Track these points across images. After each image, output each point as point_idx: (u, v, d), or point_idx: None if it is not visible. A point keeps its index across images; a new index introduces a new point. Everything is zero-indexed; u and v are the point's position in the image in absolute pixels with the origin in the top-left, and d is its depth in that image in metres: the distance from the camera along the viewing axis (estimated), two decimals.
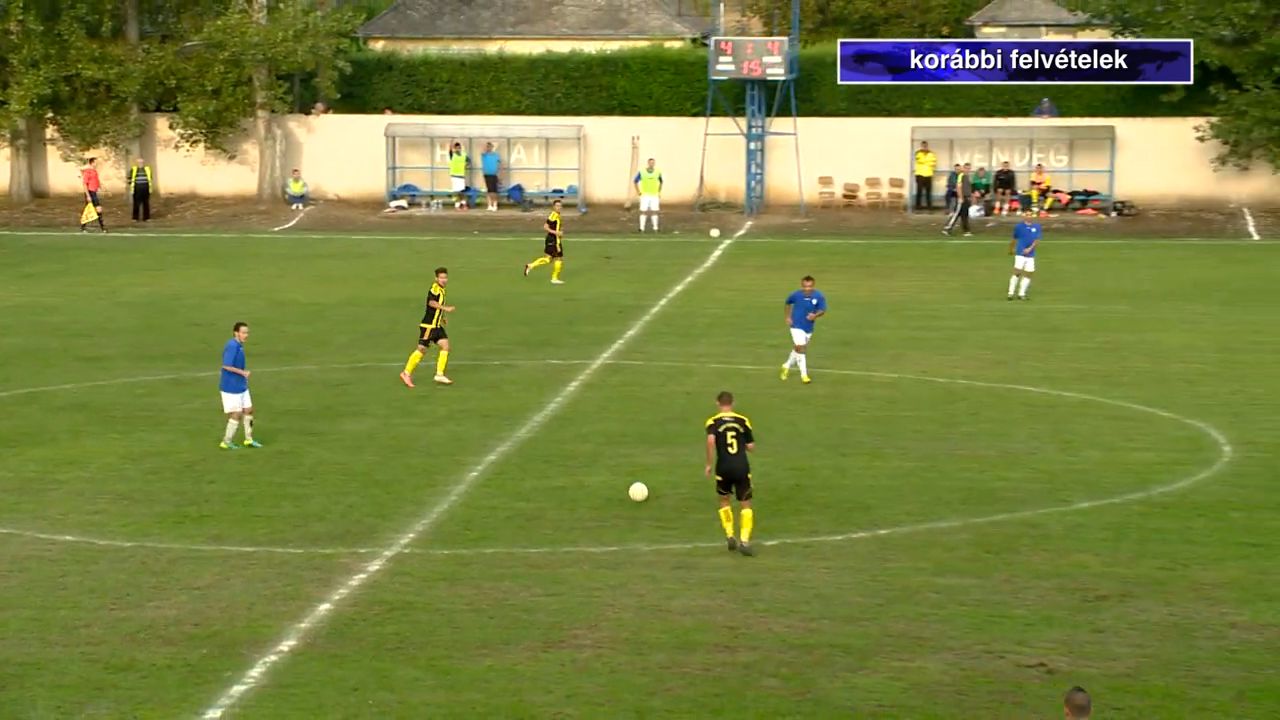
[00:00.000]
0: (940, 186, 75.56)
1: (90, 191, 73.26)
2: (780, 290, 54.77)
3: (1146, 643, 24.67)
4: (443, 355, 42.08)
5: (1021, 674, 23.61)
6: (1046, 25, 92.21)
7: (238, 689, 22.90)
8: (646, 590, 27.04)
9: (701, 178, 75.68)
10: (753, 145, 75.70)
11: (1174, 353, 45.67)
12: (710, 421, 28.44)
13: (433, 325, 41.91)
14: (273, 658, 24.11)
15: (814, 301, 41.35)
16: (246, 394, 35.56)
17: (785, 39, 76.41)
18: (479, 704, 22.42)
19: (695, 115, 76.94)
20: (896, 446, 35.98)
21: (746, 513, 28.34)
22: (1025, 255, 53.32)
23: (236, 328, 36.19)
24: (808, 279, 42.21)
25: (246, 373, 35.44)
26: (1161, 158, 74.50)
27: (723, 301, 55.00)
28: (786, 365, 41.85)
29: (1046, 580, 27.45)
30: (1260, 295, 55.15)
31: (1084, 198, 74.75)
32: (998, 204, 74.21)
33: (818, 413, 39.34)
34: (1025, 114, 77.17)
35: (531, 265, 58.59)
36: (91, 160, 75.65)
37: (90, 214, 72.65)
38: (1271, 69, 69.57)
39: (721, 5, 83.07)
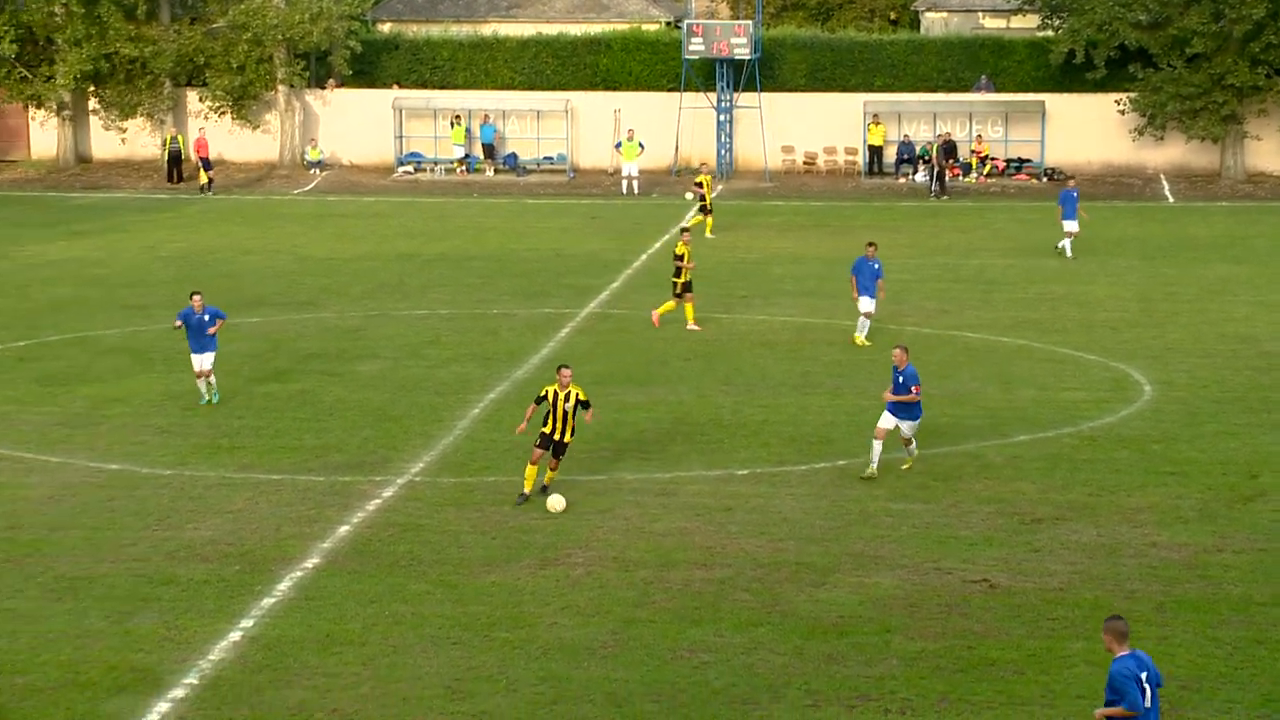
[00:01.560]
0: (890, 155, 75.66)
1: (202, 158, 73.10)
2: (748, 247, 55.03)
3: (1077, 560, 24.84)
4: (689, 307, 42.11)
5: (967, 588, 23.79)
6: (983, 10, 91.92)
7: (267, 601, 23.09)
8: (632, 514, 27.15)
9: (676, 146, 75.47)
10: (722, 117, 75.45)
11: (1100, 303, 45.70)
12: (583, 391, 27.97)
13: (681, 280, 41.98)
14: (299, 573, 24.24)
15: (876, 266, 40.27)
16: (207, 356, 34.28)
17: (750, 22, 76.16)
18: (483, 615, 22.55)
19: (670, 90, 76.58)
20: (854, 386, 35.96)
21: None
22: (1071, 219, 53.17)
23: (191, 296, 34.99)
24: (871, 245, 41.37)
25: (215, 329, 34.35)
26: (1087, 129, 74.41)
27: (697, 257, 54.83)
28: (860, 334, 40.49)
29: (988, 505, 27.62)
30: (1175, 251, 55.19)
31: (1018, 164, 74.67)
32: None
33: (783, 356, 39.34)
34: (966, 89, 76.97)
35: (689, 224, 57.85)
36: (202, 129, 75.43)
37: (203, 178, 72.75)
38: (1183, 50, 69.48)
39: None
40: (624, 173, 72.07)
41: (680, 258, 42.03)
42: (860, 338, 40.35)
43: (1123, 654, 15.72)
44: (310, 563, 24.70)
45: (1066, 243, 53.29)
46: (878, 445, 28.85)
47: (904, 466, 29.24)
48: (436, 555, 25.10)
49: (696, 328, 41.76)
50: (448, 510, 27.31)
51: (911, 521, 26.70)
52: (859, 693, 20.20)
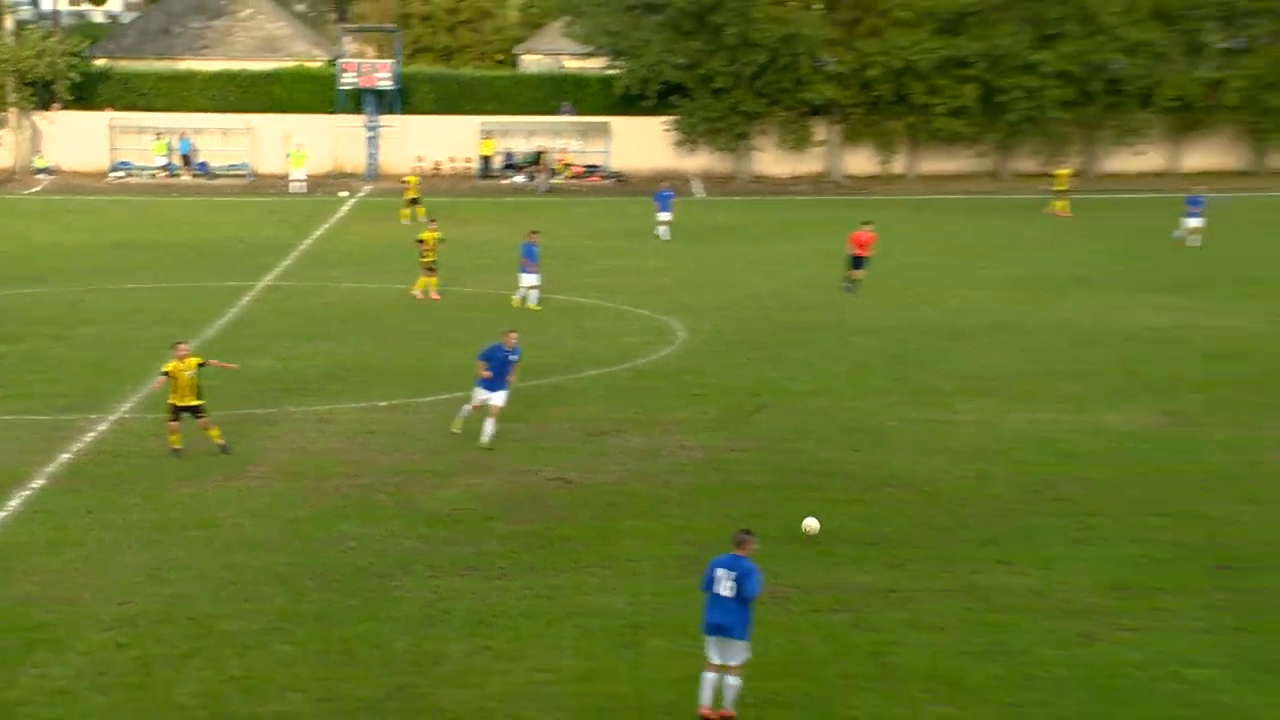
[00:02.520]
0: (498, 162, 75.55)
1: None
2: (390, 234, 54.33)
3: (629, 461, 25.34)
4: (433, 280, 40.92)
5: (549, 485, 24.10)
6: (566, 54, 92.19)
7: (1, 515, 22.18)
8: (296, 438, 26.82)
9: (334, 157, 74.27)
10: (370, 134, 74.41)
11: (651, 273, 46.27)
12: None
13: (428, 260, 40.69)
14: (27, 493, 23.34)
15: (537, 249, 39.49)
16: None
17: (391, 61, 75.42)
18: (179, 519, 22.13)
19: (329, 113, 75.26)
20: (460, 340, 35.46)
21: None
22: (665, 211, 53.47)
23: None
24: (534, 232, 40.69)
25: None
26: (641, 142, 75.35)
27: (350, 242, 54.04)
28: (517, 296, 39.72)
29: (566, 423, 27.93)
30: (704, 234, 55.78)
31: (591, 170, 75.30)
32: (535, 173, 74.35)
33: (418, 317, 39.03)
34: (553, 113, 77.32)
35: (409, 216, 56.25)
36: None
37: None
38: (709, 85, 70.89)
39: (347, 37, 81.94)
40: (293, 177, 70.53)
41: (423, 242, 41.09)
42: (526, 302, 39.67)
43: (731, 554, 15.79)
44: (38, 483, 23.79)
45: (663, 230, 53.55)
46: (467, 409, 26.66)
47: (484, 441, 26.16)
48: (141, 474, 24.41)
49: (437, 298, 40.88)
50: (151, 439, 26.45)
51: (509, 437, 26.81)
52: (467, 565, 20.41)
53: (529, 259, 39.56)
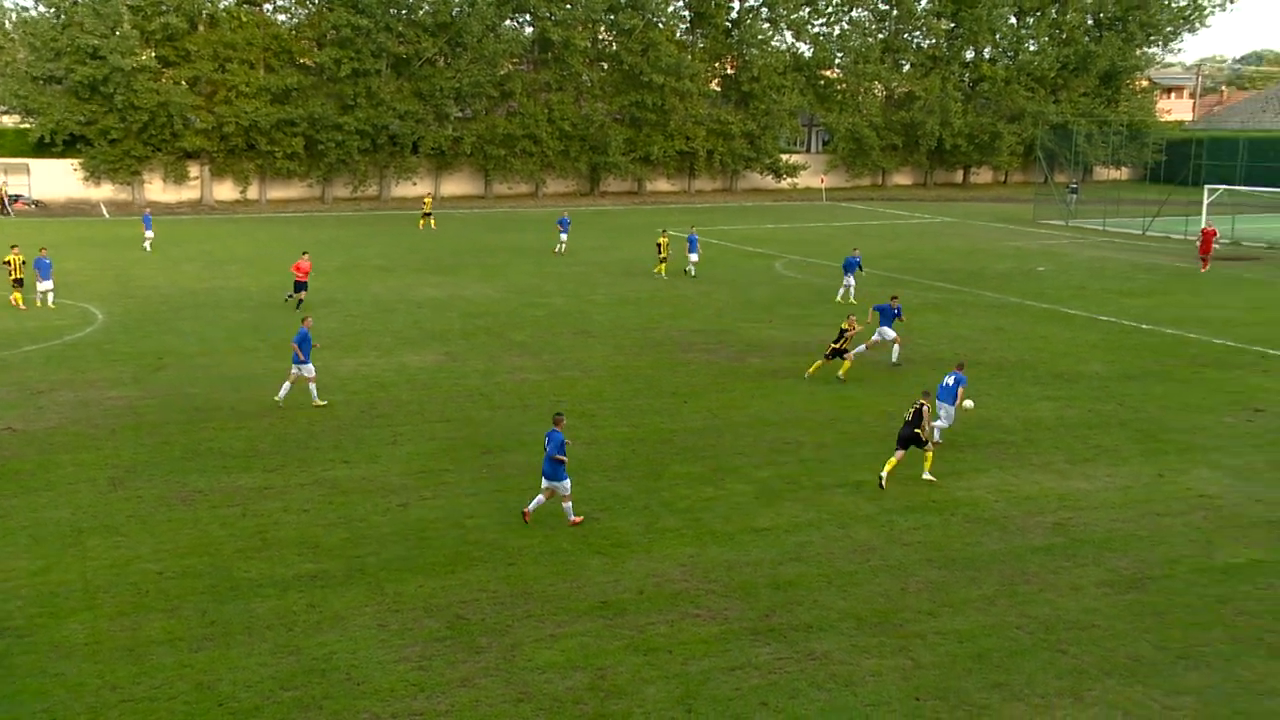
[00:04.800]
0: None
1: None
2: None
3: (65, 411, 22.38)
4: (19, 295, 32.94)
5: (2, 434, 20.95)
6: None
7: None
8: None
9: None
10: None
11: (73, 272, 40.52)
12: None
13: (15, 278, 32.63)
14: None
15: (49, 262, 32.92)
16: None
17: None
18: None
19: None
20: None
21: None
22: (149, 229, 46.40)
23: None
24: (44, 248, 34.69)
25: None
26: (56, 177, 66.59)
27: None
28: (38, 299, 33.18)
29: (11, 386, 24.15)
30: (112, 244, 49.97)
31: (16, 197, 65.51)
32: None
33: None
34: None
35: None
36: None
37: None
38: (106, 136, 63.86)
39: None
40: None
41: (9, 263, 33.55)
42: (46, 303, 33.64)
43: (552, 429, 16.81)
44: None
45: (147, 244, 46.75)
46: (288, 385, 22.79)
47: (316, 401, 22.87)
48: None
49: (25, 308, 33.33)
50: None
51: (26, 385, 23.11)
52: None
53: (41, 270, 33.54)
